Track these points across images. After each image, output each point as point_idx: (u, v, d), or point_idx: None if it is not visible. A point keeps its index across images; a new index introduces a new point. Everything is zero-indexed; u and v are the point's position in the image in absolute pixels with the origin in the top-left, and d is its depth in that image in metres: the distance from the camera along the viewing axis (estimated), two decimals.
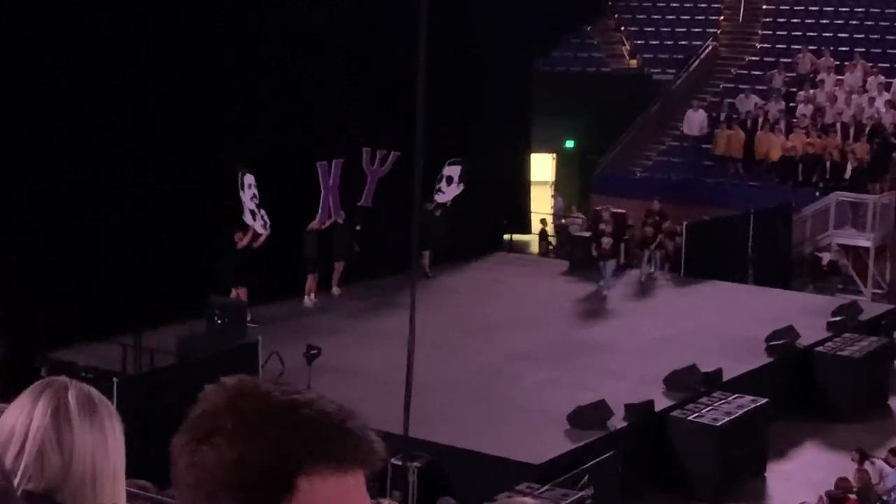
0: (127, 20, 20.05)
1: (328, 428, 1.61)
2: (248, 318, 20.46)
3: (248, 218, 21.26)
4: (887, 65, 32.85)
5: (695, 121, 33.05)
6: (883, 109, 31.19)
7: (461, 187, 25.28)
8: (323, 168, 22.75)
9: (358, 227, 23.35)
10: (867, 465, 16.68)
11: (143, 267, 19.99)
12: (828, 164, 30.16)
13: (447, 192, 25.25)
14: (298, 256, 22.57)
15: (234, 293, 20.94)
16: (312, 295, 22.87)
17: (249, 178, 21.25)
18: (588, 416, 16.65)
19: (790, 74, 33.61)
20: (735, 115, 32.40)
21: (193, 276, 20.32)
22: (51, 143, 19.20)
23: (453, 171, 25.21)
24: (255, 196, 21.30)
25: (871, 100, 31.57)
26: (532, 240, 30.46)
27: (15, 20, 18.86)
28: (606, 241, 24.70)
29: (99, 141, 19.74)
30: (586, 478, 15.25)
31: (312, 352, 17.79)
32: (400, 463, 15.27)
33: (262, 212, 21.46)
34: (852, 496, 15.56)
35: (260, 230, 21.31)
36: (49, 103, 19.12)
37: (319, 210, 22.74)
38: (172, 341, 18.46)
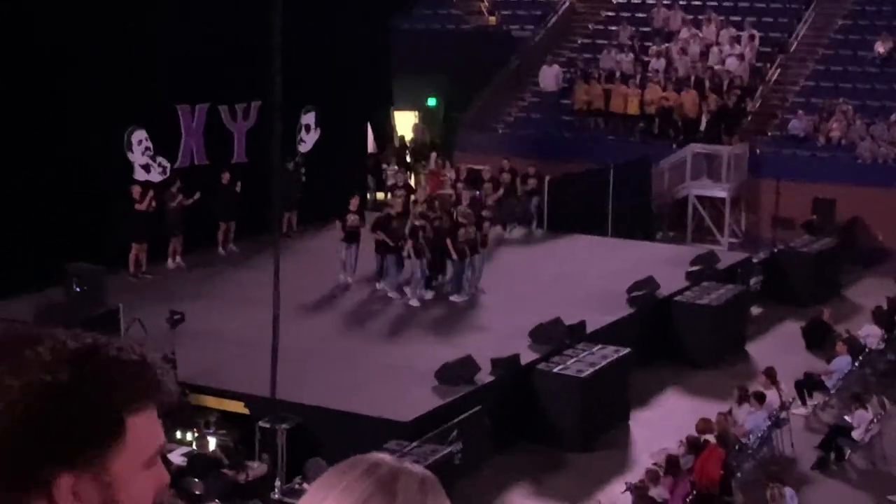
0: None
1: (135, 366, 1.68)
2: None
3: (140, 175, 21.65)
4: (738, 18, 33.58)
5: (549, 76, 33.33)
6: (735, 62, 31.90)
7: (318, 132, 26.34)
8: (184, 111, 22.52)
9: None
10: (742, 407, 17.29)
11: None
12: (683, 116, 30.77)
13: (308, 141, 26.32)
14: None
15: (133, 251, 21.21)
16: (178, 258, 22.43)
17: (139, 135, 21.72)
18: (455, 372, 16.77)
19: (644, 29, 34.11)
20: (591, 71, 32.75)
21: (50, 244, 19.77)
22: None
23: (309, 118, 26.22)
24: (148, 149, 21.81)
25: (722, 52, 32.24)
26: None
27: None
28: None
29: None
30: (455, 433, 15.39)
31: (176, 317, 17.48)
32: (268, 426, 15.17)
33: (159, 159, 22.04)
34: (711, 440, 15.99)
35: (157, 178, 21.86)
36: None
37: (180, 153, 22.59)
38: (30, 311, 17.95)
